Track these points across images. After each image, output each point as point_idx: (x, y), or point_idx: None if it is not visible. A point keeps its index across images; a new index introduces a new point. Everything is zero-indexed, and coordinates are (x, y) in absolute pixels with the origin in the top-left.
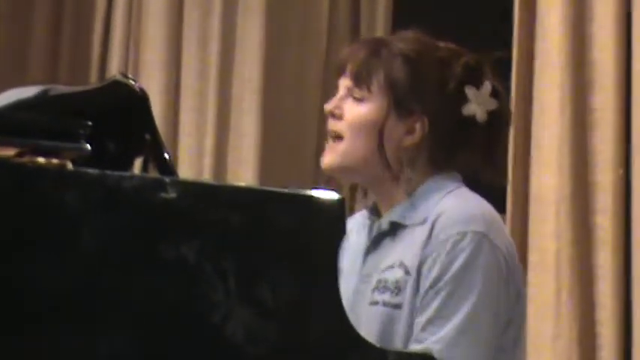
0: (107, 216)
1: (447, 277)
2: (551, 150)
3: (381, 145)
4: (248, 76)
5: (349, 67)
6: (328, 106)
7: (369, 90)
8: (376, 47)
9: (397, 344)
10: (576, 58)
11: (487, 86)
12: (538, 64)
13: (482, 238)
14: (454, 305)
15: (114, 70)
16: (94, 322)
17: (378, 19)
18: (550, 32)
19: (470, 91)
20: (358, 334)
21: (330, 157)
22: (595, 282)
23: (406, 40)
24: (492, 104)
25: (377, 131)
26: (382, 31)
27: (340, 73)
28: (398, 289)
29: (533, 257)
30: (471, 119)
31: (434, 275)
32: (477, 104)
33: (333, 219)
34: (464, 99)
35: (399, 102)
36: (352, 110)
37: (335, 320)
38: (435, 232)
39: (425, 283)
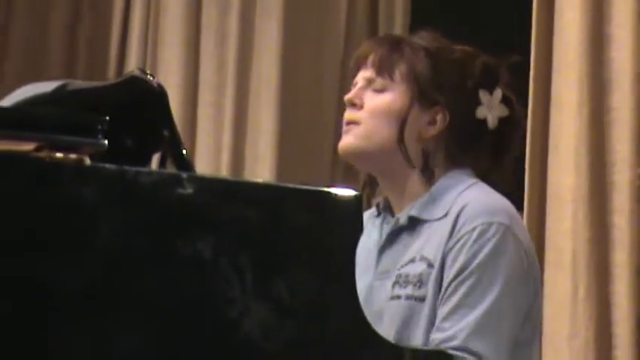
0: (124, 211)
1: (472, 267)
2: (568, 149)
3: (401, 135)
4: (266, 73)
5: (371, 58)
6: (349, 96)
7: (391, 79)
8: (397, 42)
9: (418, 337)
10: (594, 57)
11: (498, 93)
12: (556, 63)
13: (506, 230)
14: (479, 295)
15: (132, 67)
16: (110, 317)
17: (396, 16)
18: (568, 31)
19: (484, 94)
20: (374, 331)
21: (347, 140)
22: (611, 281)
23: (425, 37)
24: (503, 111)
25: (399, 120)
26: (400, 28)
27: (360, 65)
28: (420, 282)
29: (549, 256)
30: (482, 122)
31: (459, 264)
32: (489, 109)
33: (350, 215)
34: (478, 101)
35: (423, 92)
36: (373, 99)
37: (351, 317)
38: (460, 223)
39: (449, 273)
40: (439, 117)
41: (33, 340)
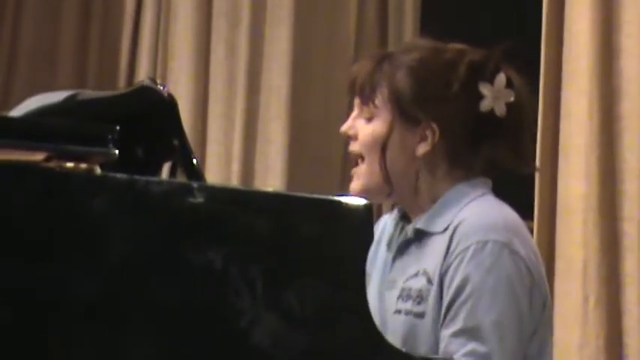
0: (135, 220)
1: (468, 289)
2: (578, 158)
3: (382, 160)
4: (276, 83)
5: (356, 87)
6: (342, 128)
7: (374, 106)
8: (379, 61)
9: (420, 354)
10: (604, 66)
11: (501, 78)
12: (565, 71)
13: (502, 248)
14: (480, 317)
15: (142, 77)
16: (120, 326)
17: (405, 28)
18: (578, 40)
19: (484, 86)
20: (385, 339)
21: (354, 183)
22: (622, 290)
23: (410, 49)
24: (509, 95)
25: (391, 143)
26: (410, 35)
27: (353, 92)
28: (420, 297)
29: (560, 265)
30: (490, 114)
31: (455, 285)
32: (493, 98)
33: (360, 225)
34: (478, 96)
35: (403, 112)
36: (363, 130)
37: (362, 326)
38: (455, 241)
39: (448, 294)
40: (428, 132)
41: (43, 349)
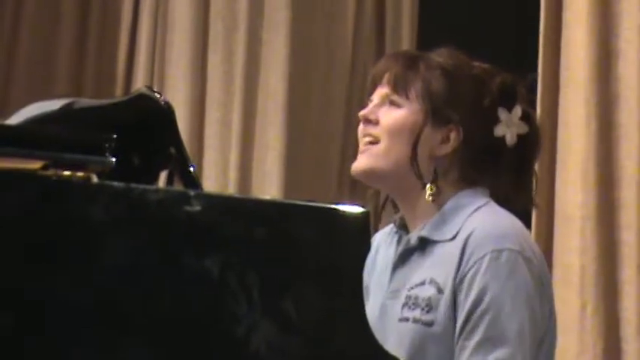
0: (131, 229)
1: (487, 298)
2: (576, 165)
3: (414, 152)
4: (273, 89)
5: (387, 76)
6: (364, 112)
7: (407, 97)
8: (414, 59)
9: None
10: (601, 74)
11: (518, 110)
12: (563, 79)
13: (517, 256)
14: (502, 327)
15: (139, 83)
16: (117, 334)
17: (403, 33)
18: (575, 47)
19: (502, 112)
20: (382, 349)
21: (364, 160)
22: (620, 298)
23: (442, 54)
24: (523, 128)
25: (412, 137)
26: (407, 45)
27: (376, 83)
28: (429, 306)
29: (557, 272)
30: (501, 141)
31: (474, 296)
32: (508, 127)
33: (358, 232)
34: (496, 119)
35: (436, 110)
36: (389, 115)
37: (359, 334)
38: (468, 250)
39: (465, 304)
40: (452, 135)
41: (40, 355)
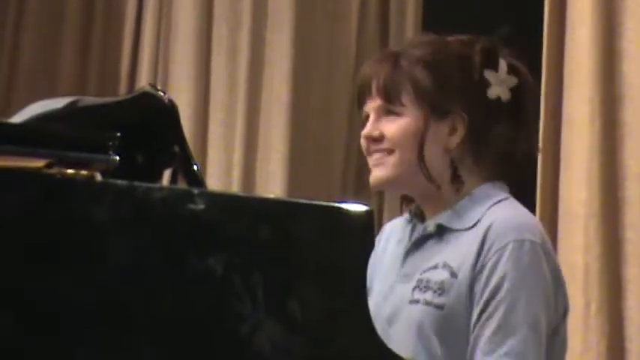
0: (135, 227)
1: (507, 285)
2: (580, 164)
3: (420, 156)
4: (277, 90)
5: (375, 87)
6: (366, 131)
7: (401, 103)
8: (394, 59)
9: (434, 344)
10: (606, 72)
11: (503, 65)
12: (567, 78)
13: (538, 248)
14: (517, 316)
15: (143, 83)
16: (121, 334)
17: (407, 33)
18: (579, 46)
19: (489, 74)
20: (387, 348)
21: (382, 172)
22: (624, 296)
23: (416, 45)
24: (512, 81)
25: (422, 138)
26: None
27: (365, 93)
28: (442, 289)
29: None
30: (497, 101)
31: (494, 283)
32: (499, 85)
33: (362, 231)
34: (487, 84)
35: (435, 107)
36: (391, 126)
37: (363, 334)
38: (490, 239)
39: (484, 292)
40: (458, 123)
41: (43, 355)
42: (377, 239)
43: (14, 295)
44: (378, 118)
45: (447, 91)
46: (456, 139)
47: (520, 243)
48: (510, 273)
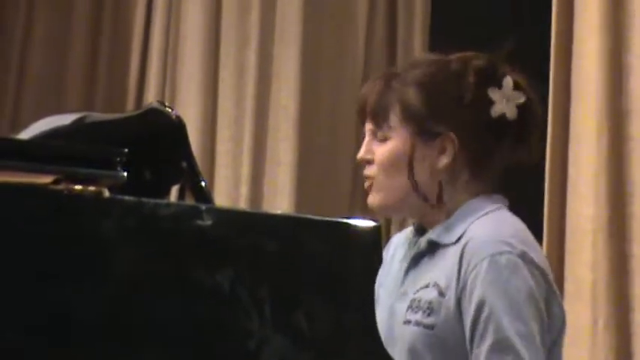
0: (143, 243)
1: (489, 303)
2: (587, 179)
3: (412, 177)
4: (284, 105)
5: (367, 110)
6: (359, 154)
7: (389, 127)
8: (387, 81)
9: None
10: (613, 87)
11: (508, 82)
12: (575, 92)
13: (516, 258)
14: (508, 331)
15: (151, 99)
16: (129, 348)
17: (414, 48)
18: (587, 61)
19: (493, 92)
20: None
21: (372, 198)
22: (631, 312)
23: (415, 65)
24: (519, 97)
25: (412, 161)
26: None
27: (362, 115)
28: (430, 309)
29: (569, 287)
30: (502, 118)
31: (476, 302)
32: (504, 103)
33: (369, 246)
34: (489, 102)
35: (421, 129)
36: (380, 150)
37: (370, 348)
38: (467, 256)
39: (469, 311)
40: (447, 144)
41: None
42: (385, 250)
43: (23, 310)
44: (371, 140)
45: (435, 112)
46: (445, 159)
47: (498, 256)
48: (490, 289)
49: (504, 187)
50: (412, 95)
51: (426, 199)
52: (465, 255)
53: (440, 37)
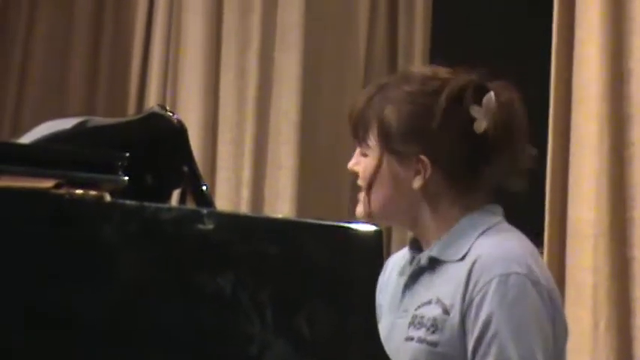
0: (144, 247)
1: (494, 324)
2: (588, 184)
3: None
4: (285, 108)
5: (350, 124)
6: (349, 165)
7: (367, 145)
8: (370, 97)
9: None
10: (614, 92)
11: (489, 98)
12: (576, 97)
13: (525, 280)
14: (511, 353)
15: (152, 103)
16: (129, 354)
17: (415, 53)
18: (587, 65)
19: (473, 109)
20: None
21: (360, 209)
22: (632, 316)
23: (400, 81)
24: (500, 112)
25: (386, 180)
26: (419, 63)
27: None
28: (434, 326)
29: (570, 291)
30: (485, 134)
31: (482, 321)
32: (485, 119)
33: (370, 250)
34: (470, 119)
35: (392, 148)
36: (361, 165)
37: (372, 352)
38: (475, 274)
39: (474, 330)
40: (420, 165)
41: None
42: (382, 272)
43: (24, 315)
44: (359, 153)
45: (407, 134)
46: (420, 181)
47: (505, 277)
48: (497, 310)
49: (504, 192)
50: (388, 114)
51: (405, 214)
52: (473, 273)
53: (441, 42)
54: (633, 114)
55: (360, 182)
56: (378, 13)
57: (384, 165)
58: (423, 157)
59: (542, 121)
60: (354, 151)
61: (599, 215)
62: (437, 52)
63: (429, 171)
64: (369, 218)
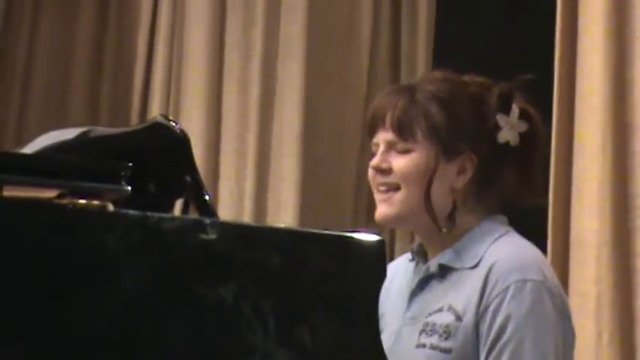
0: (147, 257)
1: (511, 328)
2: (591, 193)
3: (427, 196)
4: (288, 119)
5: (389, 119)
6: (375, 162)
7: (414, 140)
8: (410, 94)
9: None
10: (617, 101)
11: (515, 110)
12: (579, 106)
13: (541, 287)
14: (525, 358)
15: (155, 113)
16: None
17: (418, 63)
18: (591, 75)
19: (501, 118)
20: None
21: (388, 209)
22: (636, 326)
23: (435, 81)
24: (522, 126)
25: (427, 176)
26: (422, 70)
27: (377, 124)
28: (447, 333)
29: (573, 301)
30: (506, 145)
31: (498, 325)
32: (509, 129)
33: (373, 260)
34: (497, 128)
35: (447, 146)
36: (401, 162)
37: None
38: (492, 280)
39: (489, 335)
40: (467, 164)
41: None
42: None
43: (25, 326)
44: (388, 150)
45: (460, 131)
46: (463, 180)
47: (522, 283)
48: (514, 315)
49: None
50: (436, 111)
51: (434, 218)
52: (489, 279)
53: (444, 52)
54: (636, 123)
55: (395, 179)
56: (380, 24)
57: (431, 160)
58: (473, 155)
59: (546, 130)
60: (356, 162)
61: (602, 225)
62: (439, 63)
63: (473, 170)
64: (389, 221)
